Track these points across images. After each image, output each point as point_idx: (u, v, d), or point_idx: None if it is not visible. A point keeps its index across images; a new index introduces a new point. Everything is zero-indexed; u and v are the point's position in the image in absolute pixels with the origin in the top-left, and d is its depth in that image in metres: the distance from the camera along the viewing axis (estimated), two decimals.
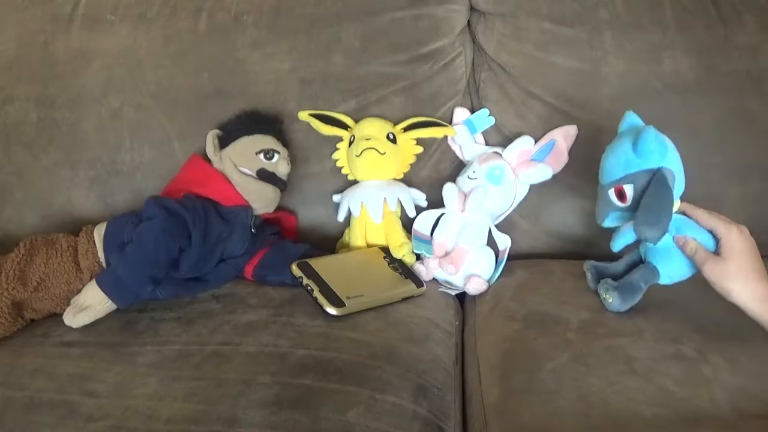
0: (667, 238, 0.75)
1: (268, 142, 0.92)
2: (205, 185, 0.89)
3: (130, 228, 0.83)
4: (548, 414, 0.64)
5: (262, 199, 0.91)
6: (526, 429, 0.64)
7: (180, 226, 0.82)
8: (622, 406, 0.63)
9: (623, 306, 0.77)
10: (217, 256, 0.88)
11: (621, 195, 0.76)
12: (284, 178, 0.94)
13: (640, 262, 0.81)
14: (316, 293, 0.81)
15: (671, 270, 0.77)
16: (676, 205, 0.76)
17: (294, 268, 0.85)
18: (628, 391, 0.65)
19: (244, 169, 0.90)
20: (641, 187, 0.73)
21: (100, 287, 0.79)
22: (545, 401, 0.66)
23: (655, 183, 0.72)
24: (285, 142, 0.95)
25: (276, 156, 0.92)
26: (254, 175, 0.90)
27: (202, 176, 0.91)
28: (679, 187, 0.75)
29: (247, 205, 0.90)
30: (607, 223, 0.79)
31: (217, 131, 0.94)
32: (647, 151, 0.73)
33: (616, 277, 0.80)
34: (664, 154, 0.73)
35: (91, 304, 0.79)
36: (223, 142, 0.93)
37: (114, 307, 0.80)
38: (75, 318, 0.78)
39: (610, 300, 0.78)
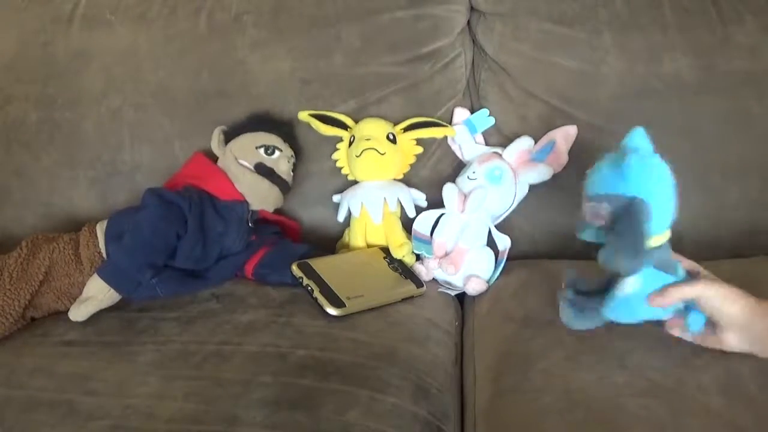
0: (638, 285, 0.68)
1: (270, 139, 0.93)
2: (203, 179, 0.90)
3: (129, 219, 0.84)
4: (532, 412, 0.65)
5: (256, 193, 0.91)
6: (510, 428, 0.64)
7: (175, 212, 0.83)
8: (607, 400, 0.64)
9: (575, 323, 0.72)
10: (216, 251, 0.87)
11: (597, 214, 0.68)
12: (285, 177, 0.93)
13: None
14: (317, 293, 0.81)
15: (622, 310, 0.69)
16: (660, 239, 0.68)
17: (294, 268, 0.85)
18: (615, 386, 0.65)
19: (243, 162, 0.91)
20: (617, 210, 0.66)
21: (100, 277, 0.79)
22: (531, 399, 0.66)
23: (629, 212, 0.65)
24: (295, 148, 0.96)
25: (277, 153, 0.92)
26: (252, 168, 0.90)
27: (202, 171, 0.92)
28: (662, 219, 0.68)
29: (243, 200, 0.90)
30: (585, 236, 0.72)
31: (223, 127, 0.95)
32: (628, 176, 0.66)
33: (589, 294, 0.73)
34: (644, 184, 0.66)
35: (93, 294, 0.79)
36: (229, 138, 0.94)
37: (116, 297, 0.80)
38: (78, 309, 0.78)
39: (564, 310, 0.72)
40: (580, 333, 0.75)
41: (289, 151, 0.94)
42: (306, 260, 0.87)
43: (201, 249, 0.85)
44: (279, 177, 0.92)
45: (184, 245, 0.84)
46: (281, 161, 0.92)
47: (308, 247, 0.93)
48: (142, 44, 1.00)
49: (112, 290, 0.79)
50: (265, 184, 0.91)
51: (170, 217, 0.83)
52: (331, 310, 0.80)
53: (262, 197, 0.92)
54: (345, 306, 0.80)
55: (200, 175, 0.91)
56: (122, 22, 1.01)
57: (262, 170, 0.91)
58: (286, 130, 0.96)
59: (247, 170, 0.90)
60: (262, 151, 0.91)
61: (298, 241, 0.99)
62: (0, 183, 1.02)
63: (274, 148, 0.92)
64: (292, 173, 0.95)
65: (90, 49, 1.01)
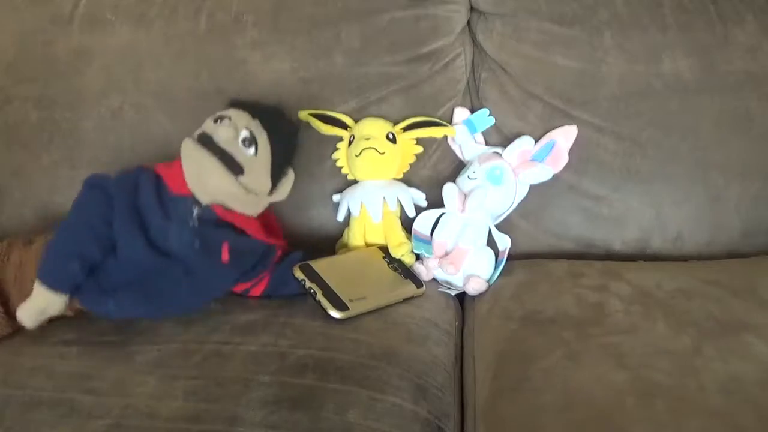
0: None
1: (233, 113, 0.82)
2: (168, 165, 0.83)
3: None
4: (532, 411, 0.65)
5: (191, 164, 0.79)
6: (509, 427, 0.64)
7: (98, 195, 0.78)
8: (606, 400, 0.64)
9: None
10: (161, 248, 0.79)
11: None
12: (223, 146, 0.79)
13: None
14: (320, 296, 0.81)
15: None
16: None
17: (296, 271, 0.85)
18: (615, 385, 0.65)
19: (195, 132, 0.82)
20: None
21: (37, 275, 0.75)
22: (530, 398, 0.66)
23: None
24: (279, 140, 0.84)
25: (225, 122, 0.80)
26: (195, 136, 0.80)
27: (172, 162, 0.83)
28: None
29: (189, 195, 0.80)
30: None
31: None
32: None
33: None
34: None
35: (34, 294, 0.75)
36: None
37: (57, 300, 0.75)
38: (19, 310, 0.75)
39: None
40: (577, 332, 0.75)
41: (244, 123, 0.81)
42: (307, 262, 0.86)
43: (143, 244, 0.77)
44: (217, 146, 0.79)
45: (120, 234, 0.77)
46: (222, 129, 0.79)
47: (301, 253, 0.90)
48: (142, 44, 1.00)
49: (50, 291, 0.74)
50: (200, 152, 0.78)
51: (92, 201, 0.78)
52: (335, 314, 0.79)
53: (196, 168, 0.79)
54: (348, 309, 0.80)
55: (168, 165, 0.84)
56: (122, 22, 1.01)
57: (201, 138, 0.80)
58: (269, 117, 0.84)
59: (189, 141, 0.80)
60: (211, 119, 0.82)
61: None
62: (0, 183, 1.02)
63: (225, 118, 0.81)
64: (247, 151, 0.80)
65: (90, 48, 1.01)
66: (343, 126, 0.97)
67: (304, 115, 0.97)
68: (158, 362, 0.72)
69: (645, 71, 0.95)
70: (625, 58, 0.95)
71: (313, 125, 0.97)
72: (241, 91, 0.98)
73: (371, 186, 0.95)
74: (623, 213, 0.97)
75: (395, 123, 0.98)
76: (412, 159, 0.99)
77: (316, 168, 1.00)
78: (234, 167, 0.79)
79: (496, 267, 0.92)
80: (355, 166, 0.95)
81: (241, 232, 0.83)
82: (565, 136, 0.95)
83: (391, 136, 0.95)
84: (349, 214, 0.97)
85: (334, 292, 0.81)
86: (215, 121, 0.81)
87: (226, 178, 0.79)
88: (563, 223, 0.99)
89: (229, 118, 0.81)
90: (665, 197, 0.96)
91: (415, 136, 0.97)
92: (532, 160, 0.94)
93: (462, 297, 0.94)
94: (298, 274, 0.84)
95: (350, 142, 0.96)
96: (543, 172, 0.94)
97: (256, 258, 0.84)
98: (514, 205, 0.95)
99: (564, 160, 0.95)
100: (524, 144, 0.95)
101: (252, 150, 0.81)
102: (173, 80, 1.00)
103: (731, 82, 0.94)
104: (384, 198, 0.94)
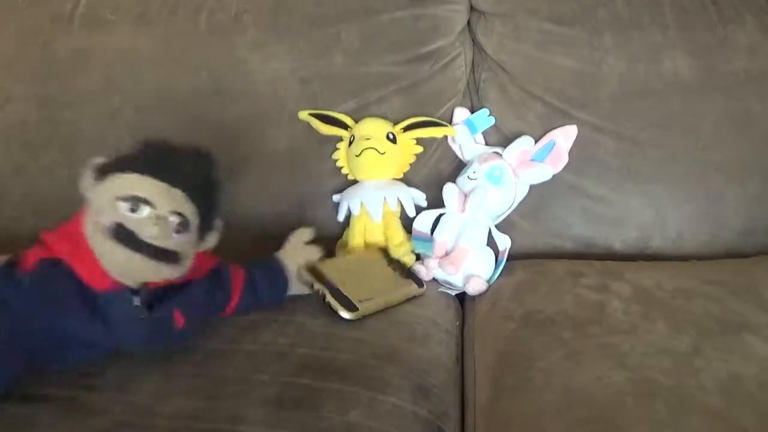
0: None
1: (143, 187, 0.64)
2: (74, 250, 0.65)
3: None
4: (532, 411, 0.65)
5: (118, 267, 0.64)
6: (510, 427, 0.64)
7: (6, 317, 0.64)
8: (606, 399, 0.64)
9: None
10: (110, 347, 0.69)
11: None
12: (155, 243, 0.64)
13: None
14: (329, 298, 0.81)
15: None
16: None
17: (304, 272, 0.84)
18: (615, 385, 0.65)
19: (101, 219, 0.64)
20: None
21: None
22: (531, 399, 0.66)
23: None
24: (207, 195, 0.69)
25: (144, 210, 0.63)
26: (108, 230, 0.63)
27: (77, 241, 0.65)
28: None
29: (121, 289, 0.65)
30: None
31: (103, 159, 0.68)
32: None
33: None
34: None
35: None
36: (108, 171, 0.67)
37: None
38: None
39: None
40: (577, 332, 0.75)
41: (169, 208, 0.65)
42: (312, 263, 0.85)
43: (78, 352, 0.68)
44: (143, 243, 0.63)
45: (48, 357, 0.66)
46: (146, 224, 0.63)
47: (254, 269, 0.81)
48: (142, 44, 1.00)
49: None
50: (122, 254, 0.63)
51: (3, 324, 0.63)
52: (346, 314, 0.79)
53: (127, 271, 0.65)
54: (358, 310, 0.80)
55: (75, 248, 0.66)
56: (122, 22, 1.01)
57: (120, 234, 0.63)
58: (190, 178, 0.68)
59: (100, 233, 0.63)
60: (123, 205, 0.63)
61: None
62: (0, 182, 1.02)
63: (141, 203, 0.63)
64: (180, 236, 0.65)
65: (90, 48, 1.01)
66: (343, 126, 0.97)
67: (303, 115, 0.97)
68: (159, 360, 0.72)
69: (645, 71, 0.95)
70: (625, 58, 0.95)
71: (312, 125, 0.97)
72: (241, 91, 0.99)
73: (371, 186, 0.95)
74: (623, 213, 0.97)
75: (395, 123, 0.98)
76: (412, 159, 0.99)
77: (316, 168, 1.00)
78: (170, 257, 0.65)
79: (496, 267, 0.92)
80: (355, 166, 0.95)
81: (182, 284, 0.70)
82: (565, 136, 0.95)
83: (391, 136, 0.95)
84: (349, 214, 0.97)
85: (342, 293, 0.81)
86: (132, 209, 0.63)
87: (163, 272, 0.66)
88: (563, 223, 0.99)
89: (148, 204, 0.64)
90: (665, 197, 0.96)
91: (415, 136, 0.97)
92: (532, 160, 0.94)
93: (462, 297, 0.94)
94: (307, 276, 0.84)
95: (350, 142, 0.96)
96: (543, 172, 0.94)
97: (210, 295, 0.75)
98: (514, 205, 0.95)
99: (564, 160, 0.95)
100: (524, 144, 0.95)
101: (185, 232, 0.66)
102: (173, 80, 1.00)
103: (731, 82, 0.94)
104: (384, 198, 0.94)
